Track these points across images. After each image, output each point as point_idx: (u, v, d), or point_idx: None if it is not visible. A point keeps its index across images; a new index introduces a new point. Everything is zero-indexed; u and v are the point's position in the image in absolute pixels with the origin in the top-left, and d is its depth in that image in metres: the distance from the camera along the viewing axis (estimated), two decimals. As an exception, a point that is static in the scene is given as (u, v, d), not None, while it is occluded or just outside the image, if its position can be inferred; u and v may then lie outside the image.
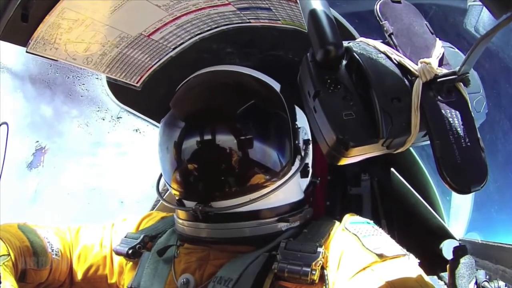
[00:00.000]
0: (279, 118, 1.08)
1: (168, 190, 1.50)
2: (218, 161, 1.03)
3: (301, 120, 1.14)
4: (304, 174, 1.14)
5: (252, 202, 1.02)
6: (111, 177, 2.01)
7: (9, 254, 0.99)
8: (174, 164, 1.09)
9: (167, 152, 1.10)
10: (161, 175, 1.22)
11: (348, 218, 1.06)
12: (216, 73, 1.15)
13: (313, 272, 0.88)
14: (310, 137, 1.14)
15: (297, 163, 1.09)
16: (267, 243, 1.01)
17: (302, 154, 1.10)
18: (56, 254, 1.14)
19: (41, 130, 1.77)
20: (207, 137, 1.02)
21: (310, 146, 1.15)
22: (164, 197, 1.55)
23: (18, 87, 1.63)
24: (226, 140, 1.02)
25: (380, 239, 0.95)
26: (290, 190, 1.11)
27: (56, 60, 1.02)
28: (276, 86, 1.13)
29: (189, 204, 1.08)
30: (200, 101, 1.11)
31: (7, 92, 1.60)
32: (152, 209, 1.73)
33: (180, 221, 1.12)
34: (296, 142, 1.08)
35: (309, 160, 1.15)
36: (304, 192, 1.19)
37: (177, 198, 1.14)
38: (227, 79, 1.13)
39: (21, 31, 0.90)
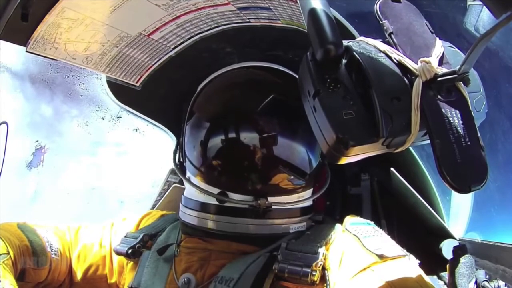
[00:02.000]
0: None
1: (171, 185, 1.50)
2: (280, 157, 1.06)
3: None
4: None
5: (302, 202, 1.10)
6: (111, 177, 2.00)
7: (8, 253, 0.99)
8: (230, 158, 1.08)
9: (218, 145, 1.08)
10: (174, 155, 1.23)
11: (349, 220, 1.06)
12: (266, 68, 1.18)
13: (314, 273, 0.88)
14: None
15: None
16: (271, 243, 1.01)
17: None
18: (55, 254, 1.14)
19: (40, 129, 1.77)
20: (269, 132, 1.05)
21: None
22: (166, 194, 1.55)
23: (17, 86, 1.63)
24: (289, 136, 1.07)
25: (381, 240, 0.95)
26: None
27: (56, 60, 1.02)
28: None
29: (240, 197, 1.05)
30: (258, 95, 1.11)
31: (7, 91, 1.59)
32: (152, 208, 1.73)
33: (190, 211, 1.11)
34: None
35: None
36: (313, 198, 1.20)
37: (219, 190, 1.09)
38: (282, 75, 1.17)
39: (21, 31, 0.90)
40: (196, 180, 1.12)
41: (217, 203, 1.06)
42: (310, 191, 1.14)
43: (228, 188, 1.06)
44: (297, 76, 1.11)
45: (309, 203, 1.16)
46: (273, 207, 1.04)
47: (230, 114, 1.11)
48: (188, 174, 1.16)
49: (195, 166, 1.13)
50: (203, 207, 1.09)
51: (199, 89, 1.21)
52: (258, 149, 1.04)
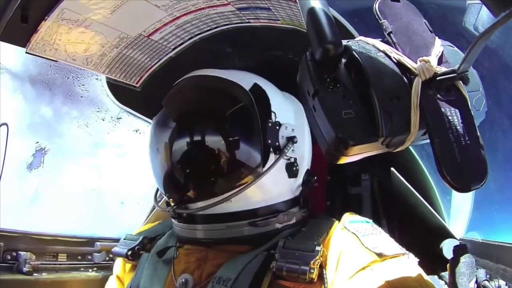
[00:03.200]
0: (244, 117, 1.06)
1: None
2: (184, 164, 1.06)
3: (286, 116, 1.11)
4: (291, 174, 1.10)
5: (220, 203, 1.01)
6: (111, 178, 2.00)
7: None
8: (154, 169, 1.14)
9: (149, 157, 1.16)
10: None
11: (347, 217, 1.06)
12: (186, 79, 1.15)
13: (312, 271, 0.88)
14: (296, 135, 1.10)
15: (270, 161, 1.05)
16: (265, 242, 1.01)
17: (281, 152, 1.06)
18: None
19: (41, 131, 1.77)
20: (173, 141, 1.06)
21: (299, 144, 1.11)
22: (163, 200, 1.55)
23: (18, 88, 1.63)
24: (190, 143, 1.04)
25: (380, 238, 0.95)
26: (272, 190, 1.08)
27: (56, 61, 1.03)
28: (248, 84, 1.09)
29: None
30: (169, 107, 1.15)
31: (7, 93, 1.59)
32: (152, 209, 1.73)
33: (176, 222, 1.12)
34: (269, 140, 1.04)
35: (298, 158, 1.12)
36: (301, 192, 1.16)
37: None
38: (192, 84, 1.14)
39: (20, 32, 0.90)
40: None
41: (200, 213, 1.06)
42: (236, 189, 1.03)
43: (168, 197, 1.13)
44: (229, 79, 1.09)
45: (285, 197, 1.11)
46: (186, 213, 1.07)
47: (158, 124, 1.14)
48: None
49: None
50: (188, 219, 1.09)
51: None
52: (173, 161, 1.07)
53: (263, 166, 1.04)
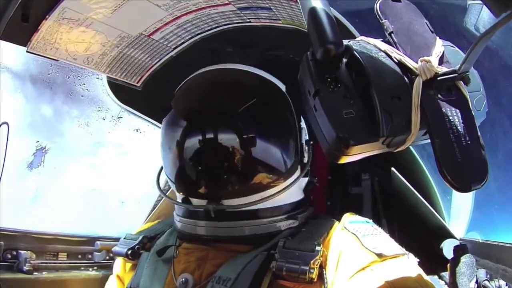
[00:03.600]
0: (286, 118, 1.10)
1: (169, 189, 1.50)
2: (227, 160, 1.02)
3: (302, 121, 1.17)
4: (304, 174, 1.15)
5: (264, 200, 1.04)
6: (111, 177, 2.00)
7: None
8: (182, 163, 1.07)
9: (173, 152, 1.08)
10: (159, 174, 1.23)
11: (348, 218, 1.06)
12: (223, 70, 1.14)
13: (311, 271, 0.88)
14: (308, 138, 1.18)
15: (304, 160, 1.14)
16: (266, 242, 1.01)
17: (306, 154, 1.14)
18: None
19: (41, 130, 1.76)
20: (216, 135, 1.02)
21: (311, 147, 1.17)
22: (162, 200, 1.55)
23: (18, 87, 1.62)
24: (235, 139, 1.01)
25: (380, 239, 0.95)
26: (293, 189, 1.11)
27: (57, 60, 1.03)
28: (282, 86, 1.15)
29: (197, 202, 1.07)
30: (207, 99, 1.09)
31: (8, 92, 1.59)
32: (153, 209, 1.73)
33: (180, 218, 1.12)
34: (302, 142, 1.12)
35: (306, 159, 1.17)
36: (304, 191, 1.19)
37: (183, 196, 1.11)
38: (235, 77, 1.13)
39: (21, 31, 0.90)
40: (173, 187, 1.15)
41: (245, 209, 1.05)
42: (276, 188, 1.07)
43: (188, 194, 1.09)
44: (270, 80, 1.12)
45: (299, 196, 1.15)
46: (227, 210, 1.03)
47: (181, 119, 1.10)
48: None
49: (166, 174, 1.16)
50: (191, 214, 1.09)
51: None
52: (207, 154, 1.04)
53: None
